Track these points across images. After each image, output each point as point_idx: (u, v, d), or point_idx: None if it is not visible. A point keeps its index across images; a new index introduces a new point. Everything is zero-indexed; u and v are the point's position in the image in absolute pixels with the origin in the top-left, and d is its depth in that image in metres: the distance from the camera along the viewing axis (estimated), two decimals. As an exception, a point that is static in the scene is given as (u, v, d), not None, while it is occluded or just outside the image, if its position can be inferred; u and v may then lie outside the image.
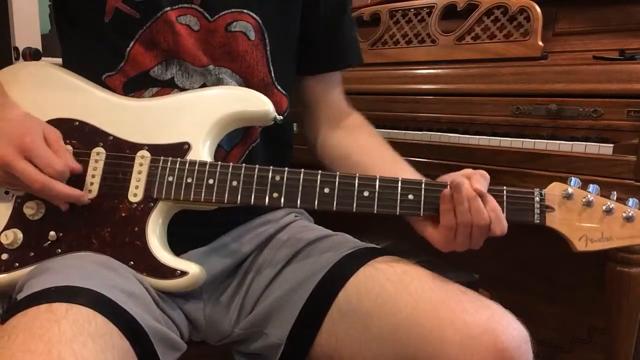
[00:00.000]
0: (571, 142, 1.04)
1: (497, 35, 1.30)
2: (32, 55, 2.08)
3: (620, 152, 0.99)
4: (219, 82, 0.84)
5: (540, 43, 1.23)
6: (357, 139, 0.96)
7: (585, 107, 1.07)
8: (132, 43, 0.82)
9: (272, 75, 0.89)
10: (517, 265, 1.44)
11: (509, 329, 0.67)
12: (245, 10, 0.85)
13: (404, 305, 0.72)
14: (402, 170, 0.87)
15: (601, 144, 1.01)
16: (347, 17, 1.00)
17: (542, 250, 1.34)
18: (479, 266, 1.20)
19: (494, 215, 0.74)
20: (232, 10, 0.85)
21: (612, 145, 1.00)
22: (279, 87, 0.90)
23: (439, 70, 1.34)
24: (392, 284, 0.75)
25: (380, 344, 0.73)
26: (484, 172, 0.77)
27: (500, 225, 0.74)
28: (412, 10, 1.47)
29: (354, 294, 0.76)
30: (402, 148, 0.94)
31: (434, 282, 0.74)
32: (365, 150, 0.94)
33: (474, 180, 0.75)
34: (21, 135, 0.73)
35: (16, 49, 2.10)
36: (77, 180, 0.77)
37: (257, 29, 0.86)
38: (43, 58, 2.11)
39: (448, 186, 0.75)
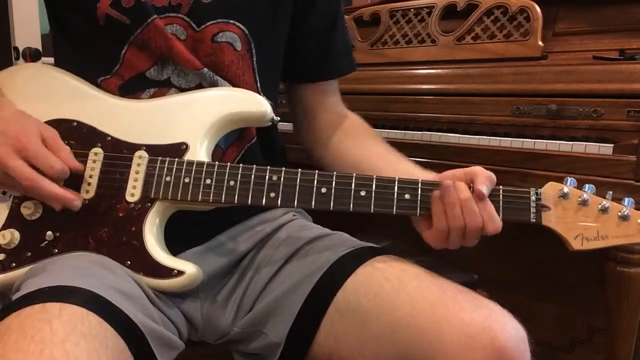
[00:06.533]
0: (571, 142, 1.04)
1: (497, 35, 1.30)
2: (32, 55, 2.08)
3: (620, 152, 0.99)
4: (214, 84, 0.84)
5: (540, 43, 1.23)
6: (363, 144, 0.96)
7: (585, 107, 1.07)
8: (125, 46, 0.82)
9: (258, 85, 0.89)
10: (517, 265, 1.44)
11: (507, 327, 0.67)
12: (232, 21, 0.85)
13: (402, 304, 0.72)
14: (411, 167, 0.87)
15: (601, 144, 1.01)
16: (339, 24, 1.00)
17: (542, 251, 1.33)
18: (478, 266, 1.20)
19: (487, 215, 0.73)
20: (219, 20, 0.84)
21: (612, 145, 1.00)
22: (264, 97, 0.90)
23: (439, 70, 1.34)
24: (391, 283, 0.74)
25: (378, 342, 0.73)
26: (491, 174, 0.75)
27: (494, 224, 0.73)
28: (412, 10, 1.47)
29: (353, 293, 0.76)
30: (402, 148, 0.94)
31: (432, 282, 0.74)
32: (374, 155, 0.93)
33: (478, 182, 0.73)
34: (17, 134, 0.72)
35: (16, 49, 2.10)
36: (74, 180, 0.77)
37: (244, 40, 0.86)
38: (43, 58, 2.11)
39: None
